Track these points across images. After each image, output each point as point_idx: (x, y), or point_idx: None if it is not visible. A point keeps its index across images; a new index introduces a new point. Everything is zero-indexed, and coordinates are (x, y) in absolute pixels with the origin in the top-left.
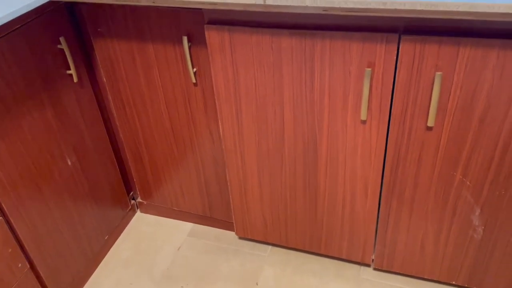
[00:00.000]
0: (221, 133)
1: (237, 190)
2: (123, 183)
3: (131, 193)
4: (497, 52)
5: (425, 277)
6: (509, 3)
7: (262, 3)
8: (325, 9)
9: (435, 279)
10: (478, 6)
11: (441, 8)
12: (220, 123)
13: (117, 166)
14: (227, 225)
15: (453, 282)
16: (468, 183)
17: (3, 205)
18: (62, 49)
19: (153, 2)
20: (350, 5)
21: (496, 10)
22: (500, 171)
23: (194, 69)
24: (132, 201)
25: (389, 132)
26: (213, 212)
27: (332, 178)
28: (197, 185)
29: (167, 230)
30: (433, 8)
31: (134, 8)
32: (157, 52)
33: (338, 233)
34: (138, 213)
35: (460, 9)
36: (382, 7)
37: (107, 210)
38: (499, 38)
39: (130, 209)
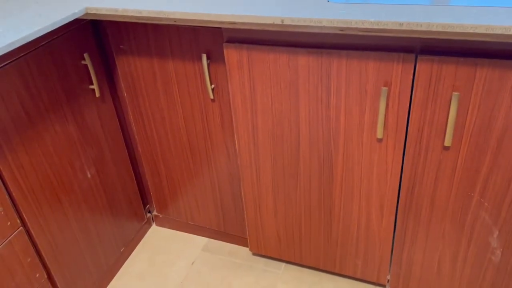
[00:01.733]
0: (237, 149)
1: (252, 205)
2: (139, 196)
3: (147, 206)
4: None
5: None
6: None
7: (280, 23)
8: (341, 29)
9: None
10: (494, 28)
11: (458, 30)
12: (236, 139)
13: (135, 179)
14: (241, 241)
15: None
16: (486, 204)
17: (24, 215)
18: (86, 65)
19: (174, 21)
20: (367, 26)
21: (511, 32)
22: None
23: (212, 86)
24: (148, 214)
25: (406, 151)
26: (228, 227)
27: (348, 196)
28: (212, 199)
29: (181, 244)
30: (449, 30)
31: (155, 26)
32: (176, 68)
33: (353, 252)
34: (154, 226)
35: (477, 30)
36: (398, 27)
37: (123, 223)
38: None
39: (146, 222)
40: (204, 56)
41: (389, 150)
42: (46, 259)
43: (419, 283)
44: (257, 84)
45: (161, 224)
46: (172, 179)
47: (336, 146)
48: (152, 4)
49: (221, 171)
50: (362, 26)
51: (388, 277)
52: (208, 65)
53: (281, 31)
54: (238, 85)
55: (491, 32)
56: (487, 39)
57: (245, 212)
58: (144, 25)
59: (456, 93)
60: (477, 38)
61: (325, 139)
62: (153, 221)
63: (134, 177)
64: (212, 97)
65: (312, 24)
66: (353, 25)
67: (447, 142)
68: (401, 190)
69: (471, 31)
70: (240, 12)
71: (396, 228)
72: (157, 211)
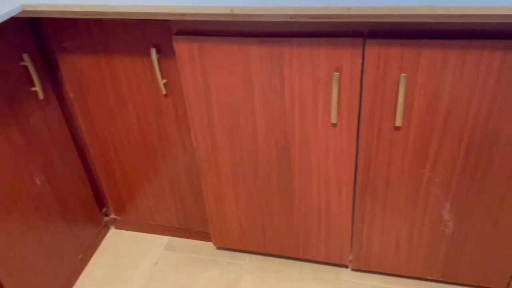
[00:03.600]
0: (194, 143)
1: (213, 199)
2: (94, 200)
3: (104, 209)
4: (456, 52)
5: (402, 274)
6: (465, 5)
7: (230, 12)
8: (291, 16)
9: (411, 275)
10: (436, 9)
11: (402, 12)
12: (192, 133)
13: (88, 183)
14: (204, 236)
15: (429, 277)
16: (436, 179)
17: None
18: (26, 66)
19: (119, 15)
20: (316, 12)
21: (453, 12)
22: (466, 166)
23: (164, 81)
24: (106, 218)
25: (359, 133)
26: (189, 224)
27: (307, 181)
28: (172, 197)
29: (143, 245)
30: (394, 12)
31: (99, 22)
32: (125, 65)
33: (315, 237)
34: (113, 230)
35: (420, 12)
36: (346, 12)
37: (79, 229)
38: (457, 39)
39: (104, 226)
40: (153, 51)
41: (343, 133)
42: None
43: (379, 261)
44: (210, 76)
45: (120, 226)
46: (128, 180)
47: (292, 134)
48: None
49: (179, 167)
50: (311, 13)
51: (350, 257)
52: (158, 59)
53: (231, 21)
54: (191, 78)
55: (433, 12)
56: (430, 20)
57: (206, 206)
58: (87, 21)
59: (403, 74)
60: (420, 20)
61: (281, 127)
62: (111, 224)
63: (87, 180)
64: (164, 92)
65: (262, 12)
66: (303, 12)
67: (398, 122)
68: (357, 172)
69: (414, 12)
70: (188, 3)
71: (355, 209)
72: (115, 214)
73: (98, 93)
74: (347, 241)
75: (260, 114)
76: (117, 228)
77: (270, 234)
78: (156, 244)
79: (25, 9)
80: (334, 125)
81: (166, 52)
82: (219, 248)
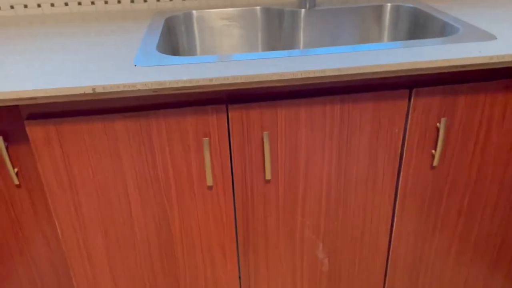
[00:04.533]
0: (59, 234)
1: None
2: None
3: None
4: (304, 108)
5: None
6: (305, 69)
7: (92, 91)
8: (155, 90)
9: None
10: (285, 75)
11: (257, 79)
12: (57, 222)
13: None
14: None
15: None
16: (307, 222)
17: None
18: None
19: None
20: (180, 84)
21: (298, 76)
22: (329, 205)
23: (16, 170)
24: None
25: (235, 192)
26: None
27: (190, 249)
28: None
29: None
30: (250, 80)
31: None
32: None
33: None
34: None
35: (272, 78)
36: (209, 83)
37: None
38: (304, 97)
39: None
40: (0, 139)
41: (220, 194)
42: None
43: None
44: (73, 158)
45: None
46: None
47: (170, 203)
48: None
49: (41, 263)
50: (177, 85)
51: None
52: (7, 147)
53: (93, 99)
54: (50, 163)
55: (284, 78)
56: (281, 84)
57: None
58: None
59: (266, 132)
60: (273, 84)
61: (157, 198)
62: None
63: None
64: (17, 182)
65: (126, 89)
66: (168, 85)
67: (267, 176)
68: (237, 230)
69: (268, 79)
70: (40, 86)
71: (240, 267)
72: None
73: None
74: None
75: (133, 189)
76: None
77: None
78: None
79: None
80: (210, 187)
81: (16, 137)
82: None
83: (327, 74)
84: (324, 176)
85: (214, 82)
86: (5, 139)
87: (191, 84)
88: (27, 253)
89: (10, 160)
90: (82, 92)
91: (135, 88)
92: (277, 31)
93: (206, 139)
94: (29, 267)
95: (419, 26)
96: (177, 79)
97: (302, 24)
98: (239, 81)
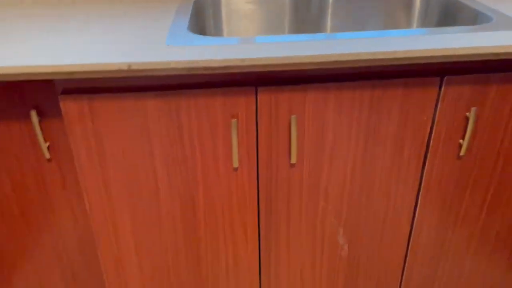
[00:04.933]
0: (87, 208)
1: (113, 267)
2: None
3: None
4: (333, 93)
5: None
6: (341, 52)
7: (127, 68)
8: (189, 69)
9: None
10: (318, 57)
11: (290, 61)
12: (85, 198)
13: None
14: None
15: None
16: (329, 207)
17: None
18: None
19: None
20: (212, 64)
21: (331, 59)
22: (352, 191)
23: (47, 144)
24: None
25: (259, 174)
26: None
27: (212, 229)
28: (60, 272)
29: None
30: (283, 62)
31: None
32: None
33: (224, 284)
34: None
35: (305, 60)
36: (241, 64)
37: None
38: (334, 82)
39: None
40: (33, 113)
41: (244, 176)
42: None
43: None
44: (104, 135)
45: None
46: (3, 264)
47: (195, 182)
48: None
49: (68, 238)
50: (209, 65)
51: None
52: (40, 121)
53: (126, 76)
54: (81, 139)
55: (317, 60)
56: (312, 67)
57: (105, 277)
58: None
59: (293, 116)
60: (304, 67)
61: (184, 177)
62: None
63: None
64: (48, 156)
65: (160, 67)
66: (201, 65)
67: (293, 160)
68: (260, 212)
69: (299, 61)
70: (77, 61)
71: (261, 249)
72: None
73: None
74: (256, 281)
75: (161, 167)
76: None
77: None
78: None
79: None
80: (236, 169)
81: (49, 112)
82: None
83: (361, 57)
84: (349, 162)
85: (246, 63)
86: (38, 114)
87: (224, 64)
88: (55, 227)
89: (43, 134)
90: (117, 68)
91: (169, 66)
92: (304, 15)
93: (234, 121)
94: (56, 242)
95: (450, 15)
96: (210, 59)
97: (330, 9)
98: (271, 62)
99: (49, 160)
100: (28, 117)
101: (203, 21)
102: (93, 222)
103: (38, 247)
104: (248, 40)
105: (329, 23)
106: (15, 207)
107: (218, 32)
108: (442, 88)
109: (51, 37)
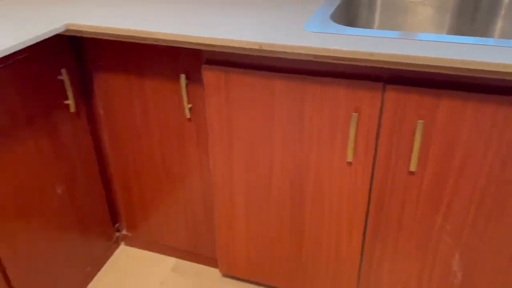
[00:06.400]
0: (211, 168)
1: (224, 226)
2: (109, 214)
3: (117, 225)
4: (473, 105)
5: None
6: (485, 61)
7: (258, 48)
8: (316, 56)
9: None
10: (455, 62)
11: (423, 62)
12: (211, 159)
13: (105, 198)
14: (211, 262)
15: None
16: (448, 227)
17: None
18: (63, 80)
19: (155, 41)
20: (341, 55)
21: (470, 66)
22: (478, 216)
23: (189, 105)
24: (117, 233)
25: (374, 174)
26: (198, 248)
27: (318, 218)
28: (184, 219)
29: (150, 264)
30: (415, 62)
31: (134, 45)
32: (154, 88)
33: (322, 273)
34: (122, 246)
35: (438, 63)
36: (369, 57)
37: (91, 241)
38: (476, 92)
39: (114, 242)
40: (182, 77)
41: (358, 173)
42: (10, 276)
43: None
44: (234, 106)
45: (130, 243)
46: (143, 198)
47: (307, 169)
48: (131, 23)
49: (194, 191)
50: (336, 55)
51: None
52: (187, 85)
53: (259, 55)
54: (215, 106)
55: (450, 65)
56: (450, 72)
57: (216, 232)
58: (124, 43)
59: (421, 121)
60: (440, 71)
61: (297, 162)
62: (121, 241)
63: (104, 195)
64: (188, 116)
65: (288, 50)
66: (328, 54)
67: (413, 168)
68: (369, 212)
69: (435, 63)
70: (219, 36)
71: (364, 250)
72: (126, 230)
73: (126, 112)
74: (354, 281)
75: (277, 147)
76: (126, 244)
77: (277, 266)
78: (163, 265)
79: (69, 28)
80: (349, 163)
81: (194, 78)
82: (224, 275)
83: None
84: (480, 183)
85: (374, 58)
86: (186, 78)
87: (351, 56)
88: (186, 179)
89: (187, 97)
90: (249, 47)
91: (297, 51)
92: (470, 15)
93: (355, 114)
94: (185, 190)
95: None
96: (337, 49)
97: (503, 11)
98: (401, 60)
99: (189, 120)
100: (178, 79)
101: (355, 9)
102: (214, 181)
103: (171, 193)
104: (382, 33)
105: (499, 26)
106: (158, 156)
107: (369, 22)
108: None
109: (201, 14)
